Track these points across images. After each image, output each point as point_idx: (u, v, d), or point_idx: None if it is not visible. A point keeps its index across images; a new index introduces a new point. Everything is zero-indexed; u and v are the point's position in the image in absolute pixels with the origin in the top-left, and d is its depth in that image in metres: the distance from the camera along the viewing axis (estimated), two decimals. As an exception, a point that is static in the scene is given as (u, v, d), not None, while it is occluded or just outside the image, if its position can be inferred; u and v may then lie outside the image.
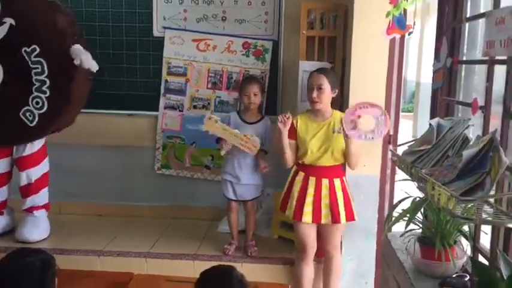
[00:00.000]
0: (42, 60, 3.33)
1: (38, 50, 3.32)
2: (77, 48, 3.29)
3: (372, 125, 2.82)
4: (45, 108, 3.38)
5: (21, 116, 3.40)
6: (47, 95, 3.36)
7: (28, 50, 3.32)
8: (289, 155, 3.12)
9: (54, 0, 3.52)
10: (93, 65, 3.35)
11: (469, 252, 2.22)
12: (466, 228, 2.19)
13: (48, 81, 3.34)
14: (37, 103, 3.37)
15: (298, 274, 3.25)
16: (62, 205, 4.24)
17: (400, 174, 2.89)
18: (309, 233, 3.17)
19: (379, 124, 2.81)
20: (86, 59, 3.28)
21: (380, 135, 2.83)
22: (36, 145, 3.69)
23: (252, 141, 3.31)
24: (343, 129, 2.88)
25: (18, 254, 1.95)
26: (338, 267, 3.25)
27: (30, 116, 3.40)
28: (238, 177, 3.47)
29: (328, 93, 3.04)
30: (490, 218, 1.68)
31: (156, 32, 4.15)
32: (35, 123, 3.40)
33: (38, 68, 3.33)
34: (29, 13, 3.34)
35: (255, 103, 3.47)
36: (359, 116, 2.82)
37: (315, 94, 3.02)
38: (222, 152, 3.43)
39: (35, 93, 3.35)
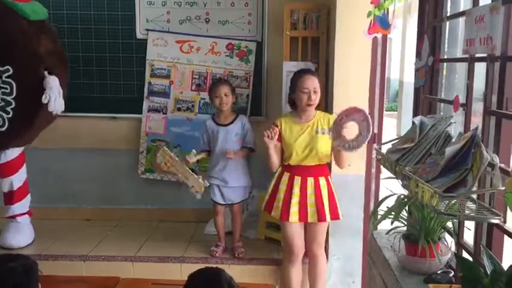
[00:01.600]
0: (12, 82, 3.30)
1: (10, 71, 3.29)
2: (49, 83, 3.27)
3: (355, 131, 2.81)
4: (5, 128, 3.37)
5: None
6: (10, 115, 3.35)
7: (1, 69, 3.29)
8: (275, 160, 3.11)
9: (45, 19, 3.49)
10: (58, 108, 3.33)
11: (453, 248, 2.23)
12: (449, 224, 2.21)
13: (14, 103, 3.32)
14: None
15: (286, 275, 3.25)
16: (46, 211, 4.18)
17: (385, 172, 2.91)
18: (296, 234, 3.18)
19: (362, 130, 2.79)
20: (53, 101, 3.27)
21: (362, 144, 2.82)
22: (15, 152, 3.65)
23: (197, 183, 3.24)
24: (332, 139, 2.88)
25: (0, 260, 1.93)
26: (323, 266, 3.27)
27: None
28: (225, 180, 3.46)
29: (319, 95, 3.07)
30: (473, 214, 1.70)
31: (139, 34, 4.14)
32: None
33: (6, 88, 3.31)
34: (13, 34, 3.29)
35: (226, 104, 3.44)
36: (344, 126, 2.79)
37: (313, 97, 3.02)
38: (192, 160, 3.40)
39: None
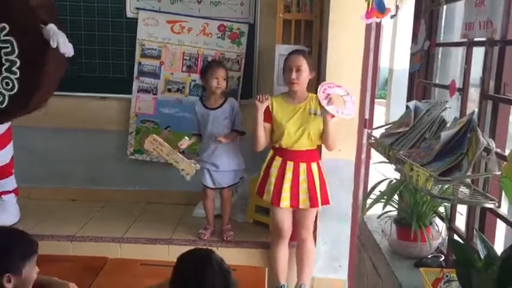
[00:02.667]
0: (12, 39, 3.16)
1: (7, 28, 3.16)
2: (52, 28, 3.14)
3: (341, 102, 2.92)
4: (15, 90, 3.22)
5: None
6: (17, 75, 3.20)
7: None
8: (261, 136, 3.08)
9: None
10: (69, 50, 3.21)
11: (443, 233, 2.25)
12: (441, 209, 2.22)
13: (18, 62, 3.18)
14: (7, 84, 3.22)
15: (274, 257, 3.27)
16: (32, 190, 4.13)
17: (375, 158, 2.92)
18: (286, 218, 3.18)
19: (347, 102, 2.91)
20: (63, 43, 3.13)
21: (352, 112, 2.92)
22: (2, 128, 3.57)
23: (188, 167, 3.26)
24: (322, 106, 2.91)
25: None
26: (311, 251, 3.28)
27: (0, 97, 3.27)
28: (216, 164, 3.43)
29: (306, 75, 3.02)
30: (467, 198, 1.70)
31: (129, 13, 4.05)
32: (5, 104, 3.25)
33: (7, 47, 3.17)
34: None
35: (221, 87, 3.39)
36: (328, 94, 2.91)
37: (293, 75, 2.99)
38: (183, 147, 3.36)
39: (5, 74, 3.19)
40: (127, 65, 4.12)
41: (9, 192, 3.68)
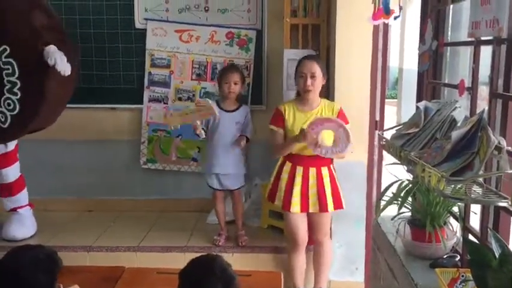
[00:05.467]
0: (12, 61, 3.22)
1: (8, 50, 3.22)
2: (51, 48, 3.18)
3: (331, 138, 2.92)
4: (17, 110, 3.27)
5: None
6: (18, 96, 3.25)
7: None
8: (287, 153, 3.10)
9: None
10: (65, 69, 3.20)
11: (458, 233, 2.23)
12: (455, 209, 2.21)
13: (19, 83, 3.24)
14: (8, 104, 3.27)
15: (291, 264, 3.27)
16: (48, 202, 4.19)
17: (387, 159, 2.91)
18: (300, 224, 3.18)
19: (340, 137, 2.89)
20: (60, 61, 3.15)
21: (344, 148, 2.91)
22: (12, 144, 3.63)
23: (205, 104, 3.31)
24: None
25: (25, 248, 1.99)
26: (328, 254, 3.28)
27: (2, 117, 3.29)
28: (223, 167, 3.45)
29: (320, 81, 3.03)
30: (480, 198, 1.69)
31: (137, 24, 4.11)
32: (7, 124, 3.29)
33: (8, 68, 3.23)
34: (3, 11, 3.22)
35: (234, 92, 3.43)
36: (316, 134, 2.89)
37: (309, 82, 2.99)
38: (202, 135, 3.39)
39: (7, 95, 3.25)
40: (137, 76, 4.17)
41: (25, 206, 3.73)
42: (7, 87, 3.24)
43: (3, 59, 3.22)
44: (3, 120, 3.30)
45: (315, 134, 2.87)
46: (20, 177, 3.73)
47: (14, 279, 1.84)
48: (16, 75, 3.23)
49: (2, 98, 3.26)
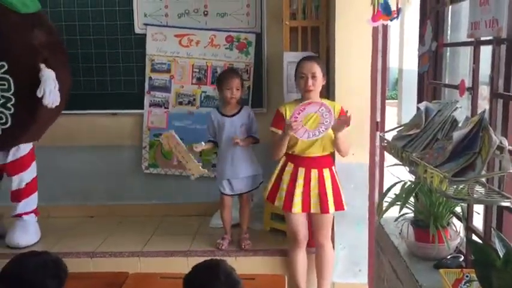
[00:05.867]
0: (9, 77, 3.26)
1: (6, 67, 3.25)
2: (45, 75, 3.22)
3: (317, 120, 2.92)
4: (8, 124, 3.33)
5: None
6: (11, 111, 3.31)
7: None
8: (283, 151, 3.11)
9: (38, 12, 3.45)
10: (52, 101, 3.25)
11: (461, 233, 2.23)
12: (458, 209, 2.21)
13: (13, 99, 3.29)
14: (0, 118, 3.32)
15: (292, 263, 3.28)
16: (51, 209, 4.19)
17: (388, 160, 2.91)
18: (301, 224, 3.19)
19: (323, 115, 2.89)
20: (48, 94, 3.20)
21: (327, 126, 2.90)
22: (24, 149, 3.64)
23: (196, 168, 3.36)
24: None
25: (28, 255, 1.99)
26: (330, 257, 3.28)
27: None
28: (235, 172, 3.45)
29: (320, 80, 3.05)
30: (483, 198, 1.70)
31: (137, 29, 4.12)
32: None
33: (4, 84, 3.27)
34: (3, 28, 3.24)
35: (236, 98, 3.44)
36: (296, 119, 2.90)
37: (310, 82, 3.00)
38: (197, 150, 3.43)
39: (0, 109, 3.30)
40: (138, 81, 4.18)
41: (30, 212, 3.73)
42: (1, 101, 3.29)
43: (0, 75, 3.25)
44: None
45: (299, 123, 2.89)
46: (32, 182, 3.73)
47: (21, 285, 1.84)
48: (11, 92, 3.28)
49: None
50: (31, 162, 3.72)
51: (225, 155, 3.45)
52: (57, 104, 3.31)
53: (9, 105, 3.30)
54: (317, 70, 3.02)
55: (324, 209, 3.09)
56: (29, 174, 3.70)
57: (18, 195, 3.67)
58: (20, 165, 3.64)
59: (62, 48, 3.62)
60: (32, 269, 1.87)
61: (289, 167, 3.14)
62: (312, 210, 3.11)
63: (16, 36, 3.26)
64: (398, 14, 2.38)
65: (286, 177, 3.14)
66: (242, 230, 3.60)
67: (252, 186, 3.54)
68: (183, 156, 3.36)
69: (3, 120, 3.32)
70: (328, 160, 3.15)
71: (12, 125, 3.32)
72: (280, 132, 3.10)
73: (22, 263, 1.91)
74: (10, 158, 3.60)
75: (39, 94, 3.19)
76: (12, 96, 3.28)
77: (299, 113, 2.91)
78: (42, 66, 3.24)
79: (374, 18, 2.41)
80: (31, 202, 3.73)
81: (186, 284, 1.84)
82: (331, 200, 3.10)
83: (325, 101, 3.12)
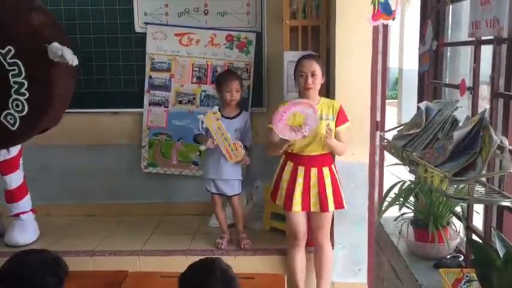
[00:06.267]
0: (18, 61, 3.21)
1: (13, 51, 3.21)
2: (55, 45, 3.18)
3: (301, 118, 2.91)
4: (26, 111, 3.27)
5: (3, 120, 3.30)
6: (26, 96, 3.25)
7: (3, 51, 3.21)
8: (278, 150, 3.11)
9: None
10: (72, 59, 3.20)
11: (461, 233, 2.24)
12: (458, 209, 2.21)
13: (26, 83, 3.23)
14: (17, 106, 3.27)
15: (291, 262, 3.28)
16: (50, 208, 4.18)
17: (388, 160, 2.92)
18: (300, 222, 3.19)
19: (307, 112, 2.88)
20: (66, 52, 3.15)
21: (312, 125, 2.88)
22: (15, 150, 3.63)
23: (238, 152, 3.34)
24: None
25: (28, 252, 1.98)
26: (329, 256, 3.27)
27: (11, 119, 3.29)
28: (220, 173, 3.44)
29: (319, 79, 3.04)
30: (483, 197, 1.70)
31: (137, 28, 4.11)
32: (16, 126, 3.30)
33: (14, 69, 3.22)
34: (3, 12, 3.22)
35: (236, 99, 3.43)
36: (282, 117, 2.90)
37: (310, 80, 3.00)
38: (202, 147, 3.40)
39: (14, 96, 3.24)
40: (138, 80, 4.17)
41: (28, 211, 3.73)
42: (14, 88, 3.24)
43: (9, 60, 3.21)
44: (12, 122, 3.29)
45: (284, 121, 2.89)
46: (22, 183, 3.72)
47: (21, 283, 1.84)
48: (23, 76, 3.22)
49: (10, 100, 3.25)
50: (19, 162, 3.69)
51: (213, 155, 3.43)
52: (77, 62, 3.25)
53: (23, 90, 3.24)
54: (317, 68, 3.02)
55: (323, 207, 3.09)
56: (20, 174, 3.69)
57: (11, 197, 3.66)
58: (10, 166, 3.62)
59: (61, 28, 3.58)
60: (31, 267, 1.87)
61: (289, 166, 3.14)
62: (312, 209, 3.11)
63: (16, 19, 3.23)
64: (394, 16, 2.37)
65: (286, 176, 3.14)
66: (238, 231, 3.60)
67: (238, 190, 3.52)
68: (228, 143, 3.32)
69: (20, 108, 3.26)
70: (327, 159, 3.15)
71: (30, 111, 3.26)
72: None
73: (22, 261, 1.91)
74: (1, 158, 3.59)
75: (57, 57, 3.13)
76: (24, 81, 3.23)
77: (285, 112, 2.91)
78: (47, 45, 3.21)
79: (374, 18, 2.40)
80: (25, 203, 3.72)
81: (182, 282, 1.84)
82: (331, 199, 3.10)
83: (325, 100, 3.12)
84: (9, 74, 3.23)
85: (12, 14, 3.24)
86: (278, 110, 2.94)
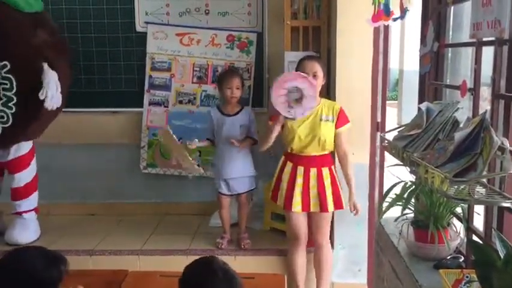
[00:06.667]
0: (11, 77, 3.25)
1: (8, 66, 3.25)
2: (49, 77, 3.23)
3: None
4: (9, 123, 3.32)
5: None
6: (13, 111, 3.30)
7: None
8: (270, 144, 3.12)
9: (41, 11, 3.45)
10: (53, 105, 3.27)
11: (462, 233, 2.24)
12: (458, 210, 2.21)
13: (15, 98, 3.28)
14: (2, 117, 3.31)
15: (291, 263, 3.29)
16: (51, 207, 4.19)
17: (389, 160, 2.92)
18: (301, 222, 3.19)
19: (308, 99, 2.88)
20: (50, 97, 3.22)
21: (313, 100, 2.90)
22: (24, 148, 3.64)
23: (191, 167, 3.37)
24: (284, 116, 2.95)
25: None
26: (328, 257, 3.28)
27: None
28: (232, 171, 3.45)
29: (321, 80, 3.04)
30: (484, 198, 1.70)
31: (138, 28, 4.12)
32: None
33: (6, 84, 3.26)
34: (6, 27, 3.25)
35: (236, 97, 3.44)
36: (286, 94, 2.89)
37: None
38: (192, 147, 3.42)
39: (1, 107, 3.29)
40: (138, 79, 4.18)
41: (30, 210, 3.73)
42: (3, 100, 3.29)
43: (3, 74, 3.25)
44: None
45: (283, 98, 2.89)
46: (30, 182, 3.73)
47: (19, 275, 1.81)
48: (13, 91, 3.27)
49: None
50: (30, 161, 3.72)
51: (223, 155, 3.45)
52: (59, 106, 3.33)
53: (10, 104, 3.29)
54: (318, 69, 3.02)
55: (323, 208, 3.10)
56: (29, 173, 3.70)
57: (18, 194, 3.67)
58: (20, 164, 3.64)
59: (64, 48, 3.61)
60: (30, 259, 1.85)
61: (288, 166, 3.14)
62: (312, 210, 3.12)
63: (19, 35, 3.27)
64: (405, 14, 2.37)
65: (285, 177, 3.14)
66: (240, 230, 3.60)
67: (250, 187, 3.54)
68: (178, 154, 3.35)
69: (4, 119, 3.31)
70: (327, 159, 3.15)
71: (13, 124, 3.32)
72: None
73: (20, 254, 1.89)
74: (11, 156, 3.61)
75: (41, 97, 3.20)
76: (14, 96, 3.27)
77: (286, 82, 2.88)
78: (45, 66, 3.24)
79: (374, 18, 2.40)
80: (31, 201, 3.73)
81: (183, 284, 1.82)
82: (330, 199, 3.11)
83: (325, 101, 3.12)
84: (1, 87, 3.27)
85: (15, 30, 3.26)
86: (281, 77, 2.92)
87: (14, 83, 3.26)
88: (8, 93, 3.27)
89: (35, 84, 3.23)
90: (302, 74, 2.92)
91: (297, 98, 2.89)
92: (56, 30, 3.57)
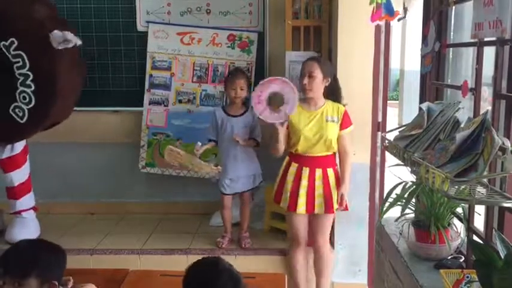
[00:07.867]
0: (21, 53, 3.19)
1: (16, 43, 3.19)
2: (56, 32, 3.16)
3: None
4: (33, 103, 3.24)
5: (11, 113, 3.28)
6: (32, 88, 3.22)
7: (6, 43, 3.19)
8: (282, 146, 3.11)
9: None
10: (76, 40, 3.19)
11: (462, 234, 2.24)
12: (459, 210, 2.21)
13: (31, 74, 3.21)
14: (24, 98, 3.24)
15: (292, 263, 3.28)
16: (51, 206, 4.19)
17: (389, 161, 2.92)
18: (301, 224, 3.19)
19: (289, 97, 2.98)
20: (68, 34, 3.13)
21: (292, 104, 2.98)
22: (18, 147, 3.62)
23: (209, 169, 3.36)
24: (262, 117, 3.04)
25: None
26: (328, 257, 3.28)
27: (19, 112, 3.27)
28: (237, 171, 3.46)
29: (319, 81, 3.03)
30: (484, 198, 1.70)
31: (139, 27, 4.11)
32: (25, 119, 3.28)
33: (19, 61, 3.20)
34: (3, 5, 3.21)
35: (240, 97, 3.45)
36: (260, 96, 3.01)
37: (305, 81, 3.01)
38: (199, 152, 3.40)
39: (21, 88, 3.22)
40: (138, 78, 4.17)
41: (29, 209, 3.73)
42: (20, 80, 3.22)
43: (12, 52, 3.20)
44: (20, 115, 3.27)
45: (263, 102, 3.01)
46: (25, 181, 3.71)
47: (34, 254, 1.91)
48: (27, 67, 3.20)
49: (17, 92, 3.24)
50: (24, 161, 3.69)
51: (227, 154, 3.45)
52: (80, 42, 3.25)
53: (28, 82, 3.21)
54: (315, 70, 3.01)
55: (328, 208, 3.09)
56: (22, 173, 3.67)
57: (13, 194, 3.66)
58: (13, 163, 3.61)
59: (64, 22, 3.56)
60: (41, 244, 1.89)
61: (293, 167, 3.13)
62: (316, 211, 3.10)
63: (19, 10, 3.22)
64: (405, 14, 2.37)
65: (290, 178, 3.12)
66: (242, 229, 3.60)
67: (253, 185, 3.54)
68: (192, 164, 3.33)
69: (27, 100, 3.24)
70: (331, 160, 3.15)
71: (37, 103, 3.23)
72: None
73: (18, 245, 1.91)
74: (5, 155, 3.58)
75: (58, 43, 3.12)
76: (29, 72, 3.21)
77: (262, 91, 3.01)
78: (50, 35, 3.18)
79: (373, 18, 2.41)
80: (27, 200, 3.71)
81: (187, 285, 1.79)
82: (335, 200, 3.10)
83: (329, 103, 3.11)
84: (14, 66, 3.21)
85: (14, 6, 3.23)
86: (255, 89, 3.02)
87: (26, 59, 3.19)
88: (23, 71, 3.20)
89: (45, 54, 3.18)
90: (270, 78, 3.04)
91: (279, 100, 2.98)
92: (54, 7, 3.52)
